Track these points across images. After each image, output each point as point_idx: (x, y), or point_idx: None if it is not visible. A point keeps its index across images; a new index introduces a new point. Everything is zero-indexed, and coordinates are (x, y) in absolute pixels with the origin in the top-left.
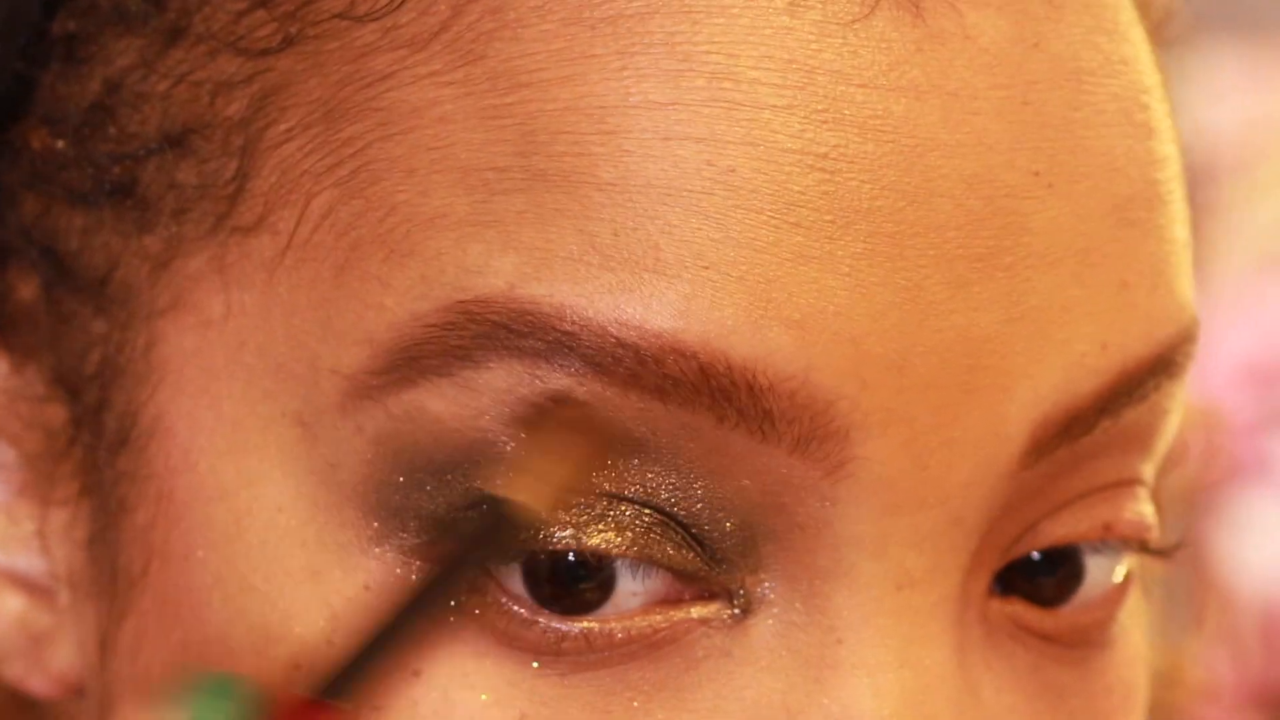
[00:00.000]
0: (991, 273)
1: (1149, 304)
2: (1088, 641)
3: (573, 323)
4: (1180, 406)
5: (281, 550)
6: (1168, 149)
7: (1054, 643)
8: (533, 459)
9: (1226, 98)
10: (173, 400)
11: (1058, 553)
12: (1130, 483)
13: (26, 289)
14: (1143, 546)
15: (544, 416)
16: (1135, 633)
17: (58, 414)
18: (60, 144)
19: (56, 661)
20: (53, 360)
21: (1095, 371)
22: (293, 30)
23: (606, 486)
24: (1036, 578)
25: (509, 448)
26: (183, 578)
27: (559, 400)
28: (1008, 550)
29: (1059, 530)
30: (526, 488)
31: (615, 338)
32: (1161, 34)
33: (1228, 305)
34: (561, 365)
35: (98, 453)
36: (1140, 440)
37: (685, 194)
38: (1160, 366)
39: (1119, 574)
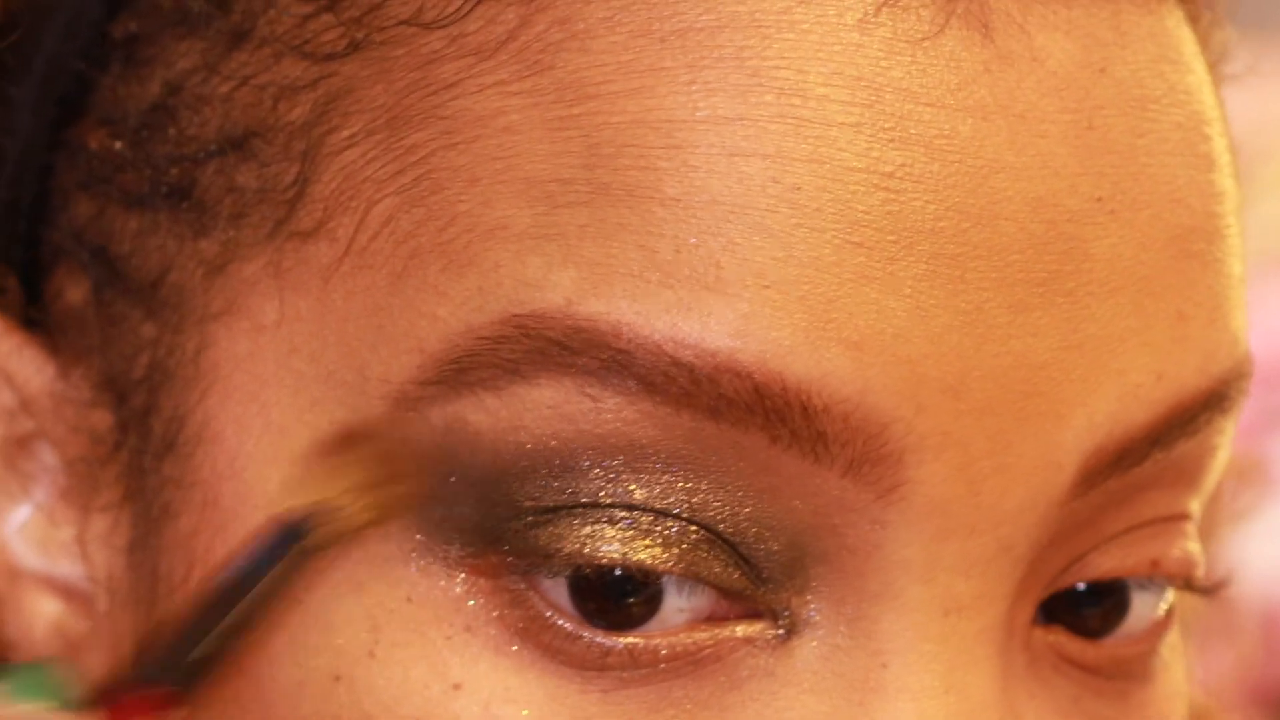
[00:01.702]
0: (1052, 298)
1: (1204, 337)
2: (1129, 674)
3: (629, 341)
4: (1229, 444)
5: (324, 562)
6: (1227, 183)
7: (1095, 674)
8: (327, 479)
9: (1228, 98)
10: (221, 406)
11: (1103, 585)
12: (1179, 518)
13: (76, 292)
14: (1188, 584)
15: (333, 442)
16: (1175, 667)
17: (104, 418)
18: (118, 145)
19: (93, 668)
20: (101, 364)
21: (1150, 402)
22: (359, 36)
23: (653, 502)
24: (1081, 609)
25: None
26: None
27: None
28: (1054, 580)
29: (1107, 564)
30: (324, 514)
31: (671, 356)
32: (1219, 70)
33: None
34: (614, 383)
35: (143, 458)
36: (1189, 475)
37: (750, 211)
38: (1213, 400)
39: (1162, 608)
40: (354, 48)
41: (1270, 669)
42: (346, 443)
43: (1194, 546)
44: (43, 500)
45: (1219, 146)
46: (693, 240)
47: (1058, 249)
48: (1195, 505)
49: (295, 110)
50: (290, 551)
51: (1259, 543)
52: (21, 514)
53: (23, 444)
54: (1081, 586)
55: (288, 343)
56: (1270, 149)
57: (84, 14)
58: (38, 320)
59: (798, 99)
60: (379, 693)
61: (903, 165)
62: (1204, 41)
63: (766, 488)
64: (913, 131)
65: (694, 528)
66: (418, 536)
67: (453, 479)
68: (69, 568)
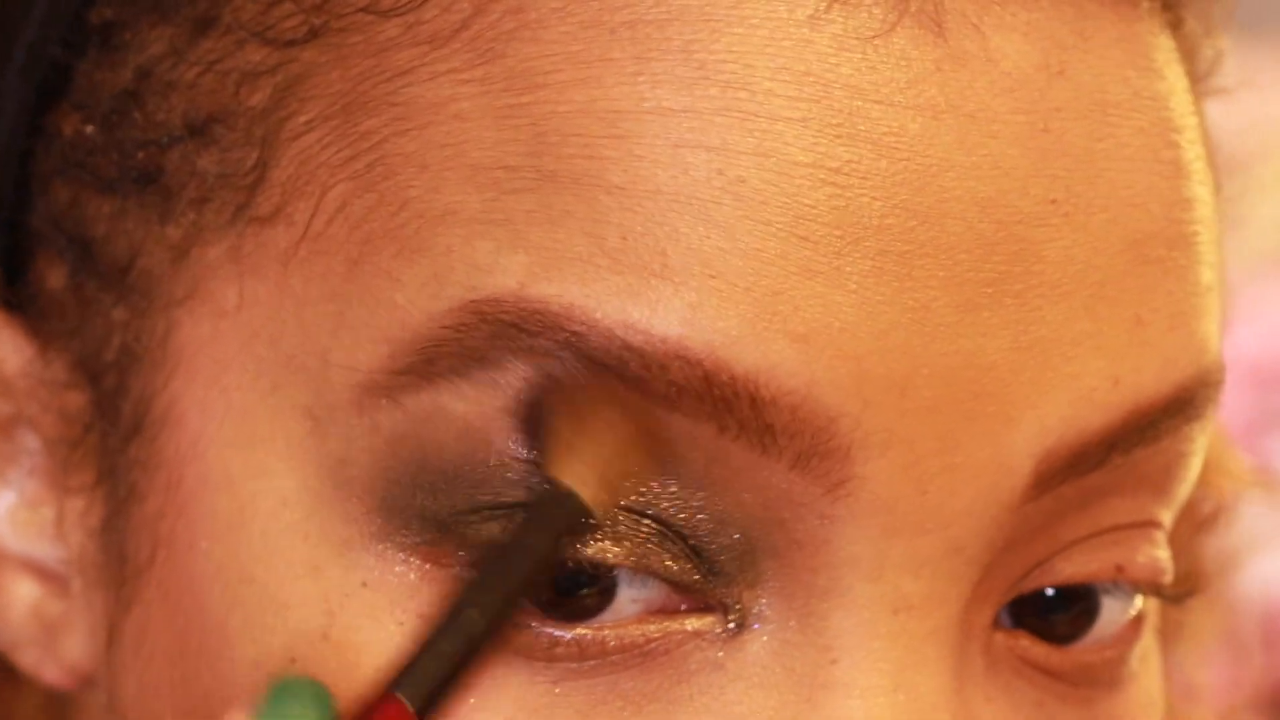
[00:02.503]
0: (1001, 299)
1: (1165, 343)
2: (1095, 681)
3: (581, 323)
4: (1202, 452)
5: (283, 543)
6: (1198, 191)
7: (1060, 680)
8: (580, 444)
9: (1226, 98)
10: (185, 389)
11: (1072, 590)
12: (1145, 525)
13: (55, 277)
14: (1156, 590)
15: (581, 400)
16: (1147, 678)
17: (78, 400)
18: (90, 129)
19: (69, 650)
20: (77, 347)
21: (1104, 406)
22: (318, 22)
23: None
24: (1050, 614)
25: (549, 438)
26: (186, 567)
27: (590, 386)
28: (1015, 585)
29: (1071, 568)
30: (578, 475)
31: (622, 340)
32: (1208, 81)
33: (1228, 304)
34: (570, 367)
35: (113, 440)
36: (1156, 483)
37: (694, 202)
38: (1176, 407)
39: (1130, 614)
40: (313, 34)
41: (1270, 669)
42: (594, 415)
43: (1163, 554)
44: (23, 484)
45: (1189, 154)
46: (639, 229)
47: (1008, 250)
48: (1165, 514)
49: (256, 95)
50: (561, 527)
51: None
52: (2, 498)
53: (3, 427)
54: (1050, 591)
55: (248, 327)
56: (1269, 149)
57: (62, 2)
58: (18, 304)
59: (744, 93)
60: (332, 675)
61: (850, 161)
62: (1187, 50)
63: (717, 480)
64: (861, 128)
65: (645, 520)
66: (378, 521)
67: (430, 467)
68: (47, 550)
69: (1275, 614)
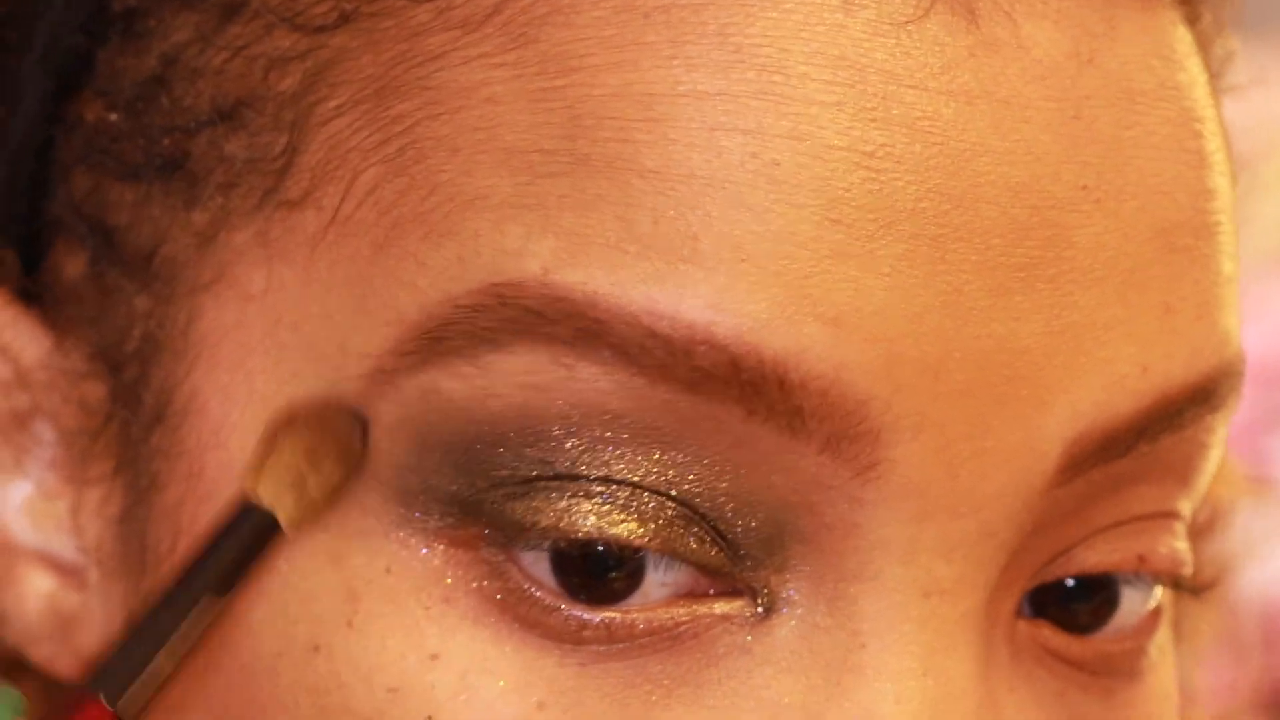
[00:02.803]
0: (1033, 284)
1: (1192, 331)
2: (1115, 671)
3: (605, 310)
4: (1222, 444)
5: (304, 533)
6: (1219, 182)
7: (1081, 670)
8: (271, 459)
9: (1228, 97)
10: (208, 376)
11: (1093, 580)
12: (1167, 516)
13: (73, 266)
14: (1175, 582)
15: (288, 422)
16: (1164, 669)
17: (97, 391)
18: (114, 116)
19: (84, 643)
20: (96, 337)
21: (1134, 393)
22: (349, 7)
23: (628, 475)
24: (1071, 603)
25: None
26: None
27: (295, 409)
28: (1038, 573)
29: (1093, 558)
30: (280, 494)
31: (646, 327)
32: (1221, 79)
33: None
34: (589, 354)
35: (134, 429)
36: (1178, 473)
37: (727, 185)
38: (1201, 396)
39: (1150, 605)
40: (344, 19)
41: (1270, 669)
42: (277, 429)
43: (1182, 545)
44: (39, 476)
45: (1211, 145)
46: (670, 213)
47: (1040, 235)
48: (1185, 505)
49: (285, 81)
50: (251, 540)
51: (1259, 543)
52: (19, 490)
53: (20, 419)
54: (1071, 582)
55: (273, 312)
56: (1273, 147)
57: None
58: (36, 294)
59: (779, 76)
60: (357, 663)
61: (884, 145)
62: (1203, 44)
63: (744, 463)
64: (895, 112)
65: (671, 503)
66: (397, 509)
67: (430, 448)
68: (63, 542)
69: (1275, 614)
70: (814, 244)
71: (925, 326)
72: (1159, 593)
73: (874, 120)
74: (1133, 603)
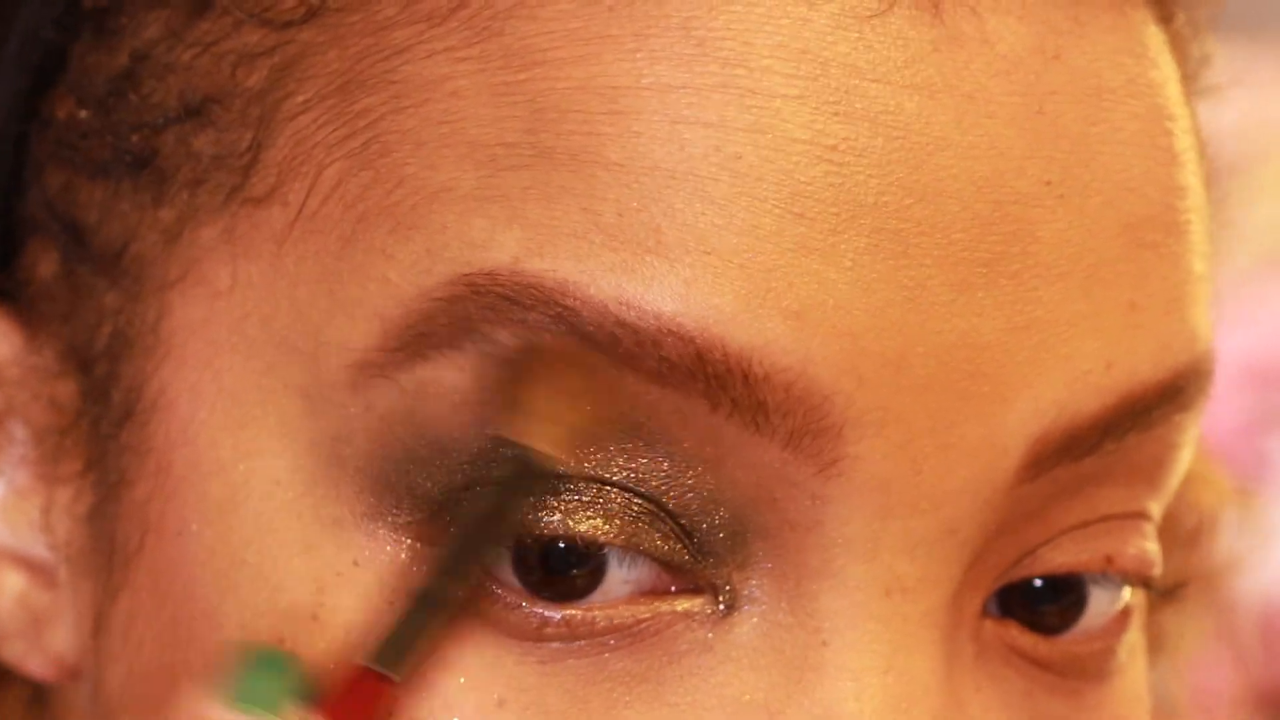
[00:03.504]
0: (996, 279)
1: (1159, 328)
2: (1084, 673)
3: (574, 299)
4: (1192, 445)
5: (276, 523)
6: (1190, 179)
7: (1048, 671)
8: (536, 403)
9: (1226, 98)
10: (176, 373)
11: (1061, 581)
12: (1135, 516)
13: (46, 264)
14: (1145, 583)
15: (532, 360)
16: (1134, 672)
17: (68, 389)
18: (84, 113)
19: (55, 642)
20: (67, 334)
21: (1099, 390)
22: (316, 2)
23: (597, 472)
24: (1038, 604)
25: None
26: (176, 553)
27: (537, 345)
28: (1005, 573)
29: (1060, 558)
30: (540, 433)
31: (615, 316)
32: (1196, 81)
33: (1228, 305)
34: (561, 341)
35: (103, 427)
36: (1147, 473)
37: (691, 178)
38: (1169, 394)
39: (1118, 606)
40: (311, 15)
41: (1270, 669)
42: (529, 367)
43: (1151, 546)
44: (11, 474)
45: (1182, 143)
46: (634, 204)
47: (1003, 230)
48: (1154, 506)
49: (253, 77)
50: (520, 484)
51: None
52: None
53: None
54: (1038, 582)
55: (240, 308)
56: (1268, 150)
57: None
58: (8, 292)
59: (742, 70)
60: (320, 654)
61: (846, 139)
62: (1176, 44)
63: (709, 458)
64: (857, 106)
65: (636, 499)
66: (370, 500)
67: (418, 443)
68: (34, 540)
69: (1274, 614)
70: (776, 237)
71: (887, 321)
72: (1127, 593)
73: (836, 114)
74: (1100, 603)
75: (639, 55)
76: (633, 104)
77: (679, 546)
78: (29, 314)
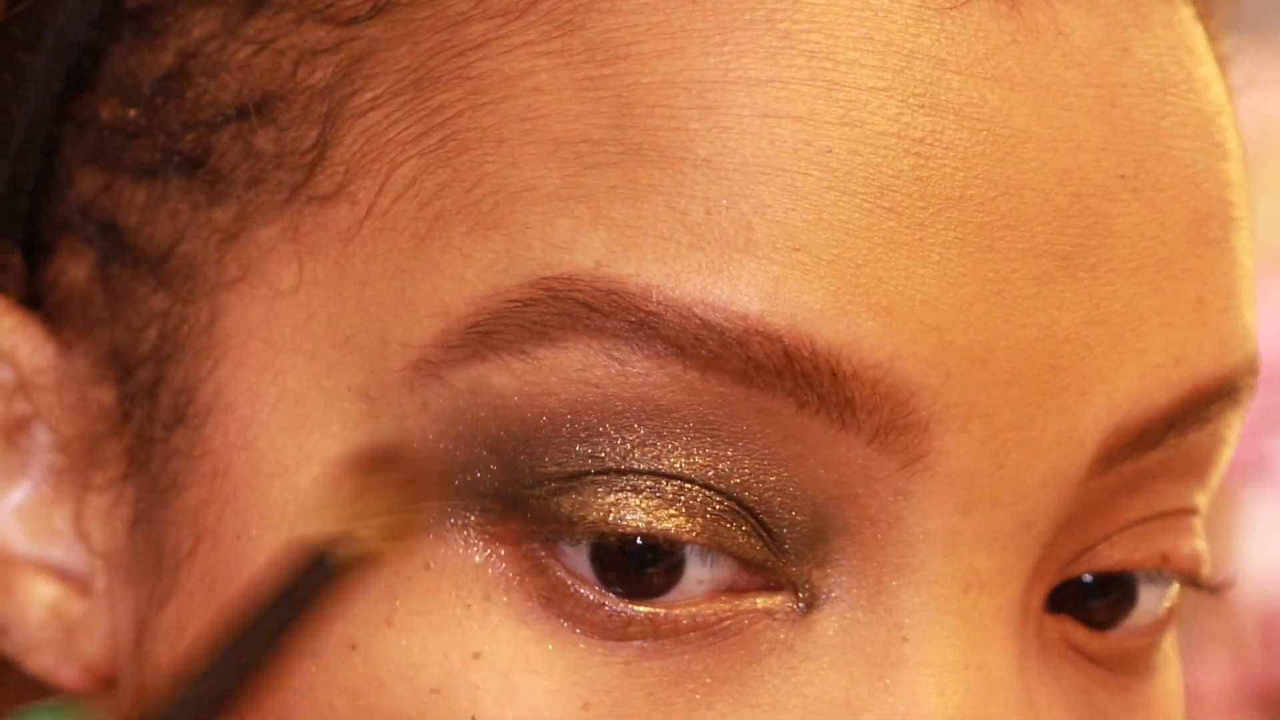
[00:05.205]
0: (1075, 272)
1: (1220, 324)
2: (1132, 668)
3: (658, 303)
4: (1235, 438)
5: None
6: (1240, 175)
7: (1101, 666)
8: (350, 502)
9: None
10: (234, 375)
11: (1110, 577)
12: (1188, 512)
13: (79, 268)
14: (1194, 581)
15: (358, 462)
16: (1174, 667)
17: (105, 394)
18: (132, 113)
19: (88, 650)
20: (105, 339)
21: (1168, 385)
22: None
23: (679, 469)
24: (1088, 599)
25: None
26: (235, 557)
27: (375, 450)
28: (1065, 568)
29: (1116, 555)
30: (358, 529)
31: (700, 319)
32: (1227, 73)
33: None
34: (643, 347)
35: (148, 432)
36: (1199, 467)
37: (782, 173)
38: (1226, 390)
39: (1166, 604)
40: (377, 10)
41: (1270, 669)
42: (372, 464)
43: (1201, 544)
44: (37, 483)
45: (1232, 139)
46: (724, 202)
47: (1082, 223)
48: (1203, 500)
49: (316, 74)
50: (315, 579)
51: (1259, 543)
52: (15, 497)
53: (19, 425)
54: (1088, 578)
55: (305, 308)
56: (1270, 150)
57: None
58: (36, 298)
59: (829, 62)
60: (395, 661)
61: (933, 132)
62: (1214, 41)
63: (791, 455)
64: (942, 98)
65: (718, 497)
66: (435, 503)
67: (476, 443)
68: (63, 550)
69: (1275, 614)
70: (866, 232)
71: (974, 315)
72: (1175, 591)
73: (922, 106)
74: (1150, 601)
75: (725, 48)
76: (720, 98)
77: (760, 544)
78: (58, 319)
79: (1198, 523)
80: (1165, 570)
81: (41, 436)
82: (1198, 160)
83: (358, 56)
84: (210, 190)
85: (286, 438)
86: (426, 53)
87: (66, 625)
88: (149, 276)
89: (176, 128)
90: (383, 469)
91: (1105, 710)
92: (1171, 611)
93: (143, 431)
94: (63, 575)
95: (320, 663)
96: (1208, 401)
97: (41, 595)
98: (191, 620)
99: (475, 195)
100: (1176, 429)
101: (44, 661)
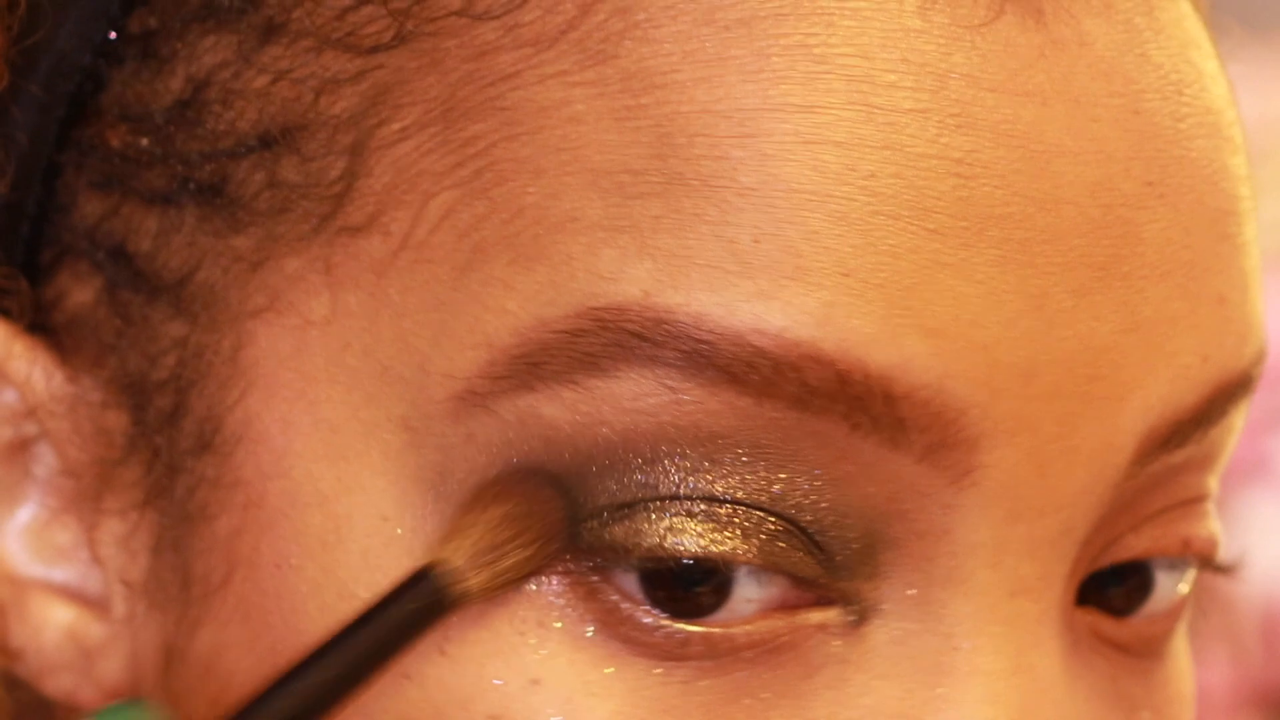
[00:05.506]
0: (1110, 282)
1: (1240, 319)
2: (1153, 653)
3: (710, 331)
4: (1241, 424)
5: (386, 559)
6: (1246, 167)
7: (1125, 653)
8: (473, 531)
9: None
10: (265, 404)
11: (1127, 564)
12: (1204, 498)
13: (83, 293)
14: (1210, 563)
15: (493, 494)
16: (1185, 647)
17: (118, 420)
18: (145, 142)
19: (109, 674)
20: (116, 365)
21: (1197, 384)
22: (407, 27)
23: (732, 493)
24: (1106, 588)
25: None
26: (274, 585)
27: (510, 482)
28: (1094, 562)
29: (1141, 544)
30: (463, 557)
31: (754, 346)
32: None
33: None
34: (695, 375)
35: (169, 459)
36: (1214, 456)
37: (828, 199)
38: (1244, 382)
39: (1184, 588)
40: (401, 40)
41: (1270, 669)
42: (484, 502)
43: (1217, 525)
44: (41, 504)
45: (1239, 131)
46: (771, 229)
47: (1114, 233)
48: (1214, 484)
49: (339, 104)
50: (419, 613)
51: (1259, 542)
52: (19, 518)
53: (21, 448)
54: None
55: (339, 339)
56: (1270, 149)
57: (97, 10)
58: (40, 323)
59: (867, 86)
60: (452, 690)
61: (971, 151)
62: (1208, 29)
63: (843, 475)
64: (978, 117)
65: (772, 518)
66: None
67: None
68: (74, 573)
69: (1275, 614)
70: (913, 255)
71: (1018, 331)
72: (1192, 575)
73: (959, 126)
74: (1166, 586)
75: (762, 75)
76: (761, 126)
77: (812, 561)
78: (63, 342)
79: (1211, 506)
80: (1187, 555)
81: (45, 457)
82: (1214, 158)
83: (383, 86)
84: (229, 218)
85: (324, 468)
86: (455, 83)
87: (85, 648)
88: (164, 303)
89: (192, 156)
90: (494, 508)
91: (1132, 695)
92: (1188, 596)
93: (162, 458)
94: (76, 598)
95: (374, 692)
96: (1231, 396)
97: (57, 618)
98: (228, 648)
99: (515, 227)
100: (1204, 424)
101: (62, 684)
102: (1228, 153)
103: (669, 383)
